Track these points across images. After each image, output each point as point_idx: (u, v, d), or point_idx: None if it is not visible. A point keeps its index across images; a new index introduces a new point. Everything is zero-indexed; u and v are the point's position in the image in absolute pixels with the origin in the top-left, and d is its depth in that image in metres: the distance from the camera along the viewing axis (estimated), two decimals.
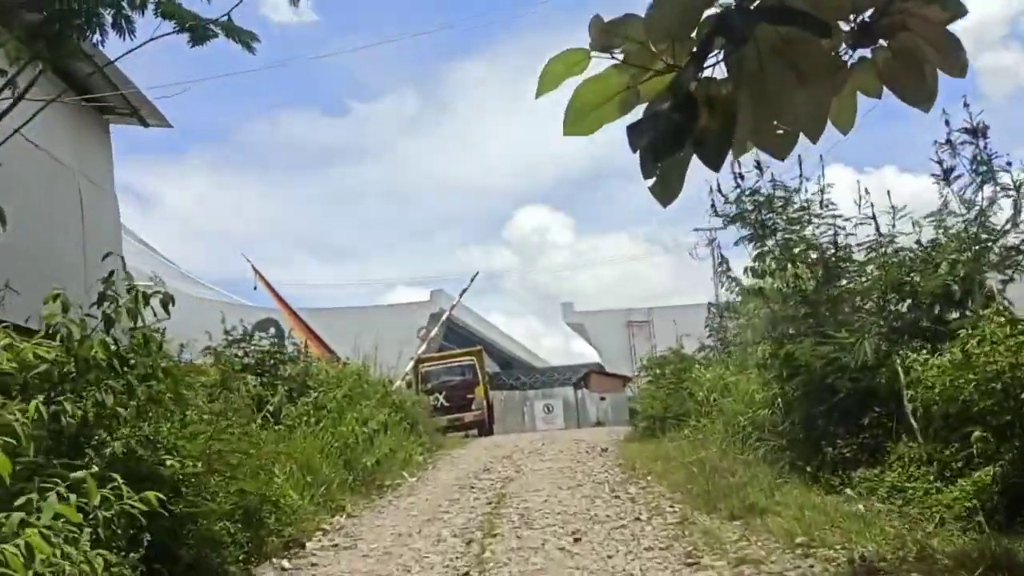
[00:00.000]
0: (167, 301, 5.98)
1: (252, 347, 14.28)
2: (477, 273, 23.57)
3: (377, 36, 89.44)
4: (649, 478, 10.99)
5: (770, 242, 10.48)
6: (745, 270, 12.30)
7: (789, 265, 10.37)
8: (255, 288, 23.84)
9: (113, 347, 5.49)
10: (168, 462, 5.59)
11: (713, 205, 11.00)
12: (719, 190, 10.86)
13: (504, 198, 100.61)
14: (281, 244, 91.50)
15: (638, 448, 14.98)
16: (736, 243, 11.04)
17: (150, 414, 5.71)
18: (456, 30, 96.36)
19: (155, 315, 6.07)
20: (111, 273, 5.94)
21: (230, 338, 14.31)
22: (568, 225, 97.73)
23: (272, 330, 35.30)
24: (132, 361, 5.57)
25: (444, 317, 22.90)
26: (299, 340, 22.86)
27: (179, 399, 6.13)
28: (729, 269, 14.50)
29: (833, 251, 9.91)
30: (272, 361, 14.25)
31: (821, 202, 9.93)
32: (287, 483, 8.28)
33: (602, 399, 36.14)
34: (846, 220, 9.77)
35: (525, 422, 34.77)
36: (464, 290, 23.10)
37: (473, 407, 24.51)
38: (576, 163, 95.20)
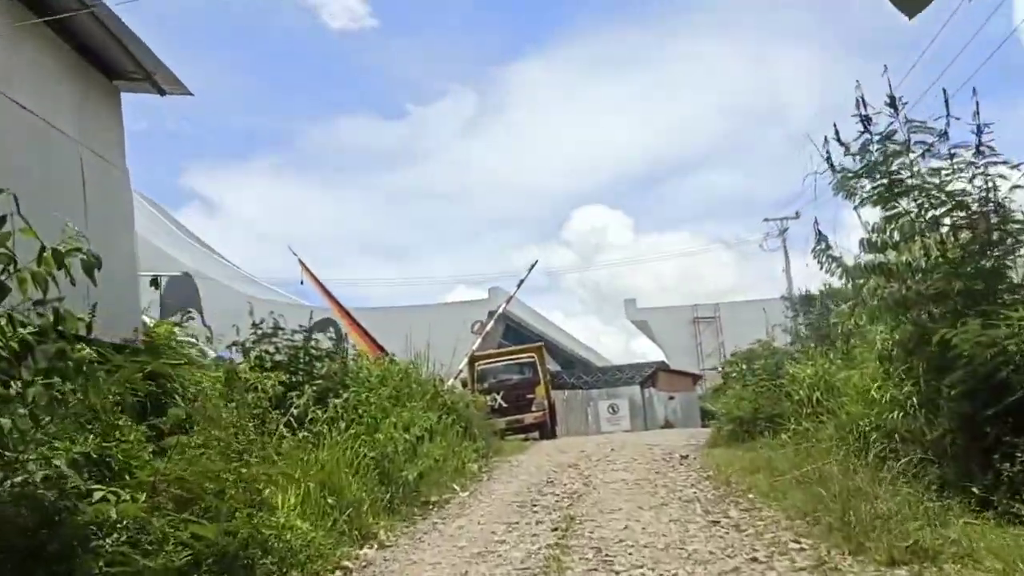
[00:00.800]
0: (91, 266, 4.22)
1: (284, 342, 12.65)
2: (536, 262, 21.65)
3: (435, 38, 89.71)
4: (752, 496, 8.90)
5: (904, 202, 8.30)
6: (861, 243, 10.13)
7: (927, 231, 8.21)
8: (301, 283, 22.39)
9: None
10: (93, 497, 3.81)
11: (829, 159, 8.85)
12: (837, 138, 8.71)
13: (562, 198, 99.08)
14: (341, 245, 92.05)
15: (725, 455, 12.87)
16: (859, 204, 8.85)
17: (53, 424, 3.95)
18: (512, 31, 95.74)
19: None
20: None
21: (259, 332, 12.73)
22: (626, 224, 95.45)
23: (331, 330, 34.09)
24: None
25: (501, 309, 20.91)
26: (352, 340, 21.32)
27: (125, 403, 4.35)
28: (828, 248, 12.28)
29: (994, 209, 7.69)
30: (307, 358, 12.60)
31: (978, 147, 7.69)
32: (298, 509, 6.49)
33: (670, 399, 33.87)
34: (1015, 167, 7.53)
35: (588, 423, 32.72)
36: (522, 280, 21.22)
37: (533, 408, 22.55)
38: (634, 161, 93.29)
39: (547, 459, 14.89)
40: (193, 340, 11.61)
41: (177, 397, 7.80)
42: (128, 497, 3.88)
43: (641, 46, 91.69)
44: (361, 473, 8.37)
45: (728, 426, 14.55)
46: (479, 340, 21.57)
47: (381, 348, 20.91)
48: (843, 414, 10.12)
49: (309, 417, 9.30)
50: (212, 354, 13.05)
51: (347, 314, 22.72)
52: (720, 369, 52.52)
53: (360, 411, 9.94)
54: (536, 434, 22.27)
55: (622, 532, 7.54)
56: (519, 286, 21.30)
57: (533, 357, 23.91)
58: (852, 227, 10.61)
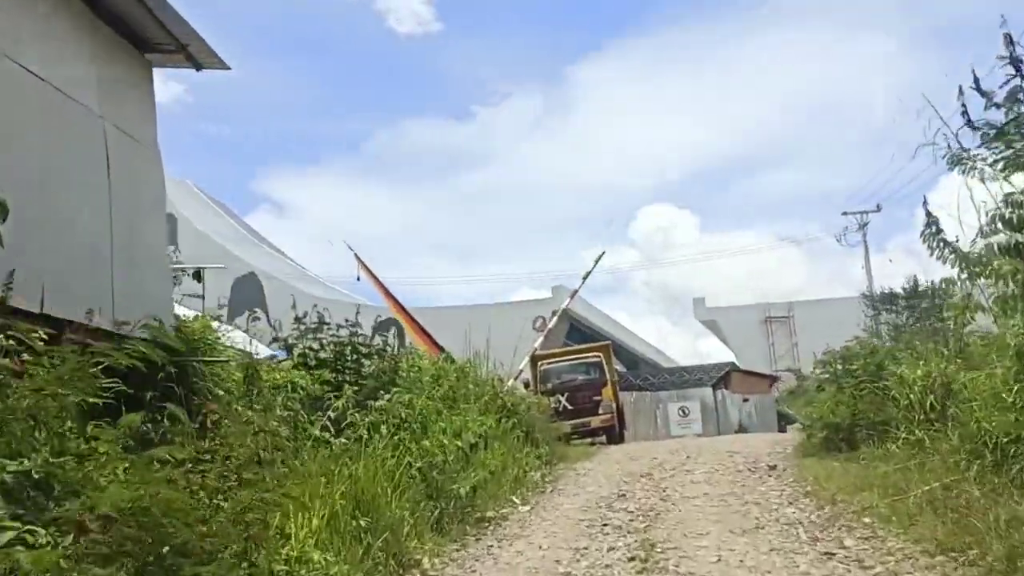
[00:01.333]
0: None
1: (329, 338, 11.60)
2: (603, 253, 20.28)
3: (500, 40, 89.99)
4: (868, 521, 7.41)
5: None
6: (992, 219, 8.54)
7: None
8: (358, 279, 21.48)
9: None
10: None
11: (965, 113, 7.33)
12: (977, 87, 7.19)
13: (628, 197, 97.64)
14: (409, 247, 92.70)
15: (821, 467, 11.32)
16: (1004, 169, 7.30)
17: None
18: (578, 30, 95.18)
19: None
20: None
21: (303, 327, 11.71)
22: (693, 223, 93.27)
23: (394, 330, 33.36)
24: None
25: (565, 304, 19.48)
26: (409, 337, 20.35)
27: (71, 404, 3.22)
28: (939, 231, 10.63)
29: None
30: (354, 355, 11.52)
31: None
32: (321, 535, 5.32)
33: (744, 401, 32.03)
34: None
35: (657, 427, 31.11)
36: (588, 273, 19.69)
37: (601, 410, 20.87)
38: (701, 159, 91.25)
39: (617, 467, 13.54)
40: (239, 338, 10.70)
41: (201, 397, 6.80)
42: (47, 539, 2.76)
43: (708, 42, 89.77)
44: (403, 487, 7.18)
45: (820, 433, 12.95)
46: (541, 338, 20.20)
47: (439, 347, 19.86)
48: (972, 422, 8.53)
49: (348, 421, 8.16)
50: (266, 352, 12.18)
51: (405, 312, 21.75)
52: (795, 371, 50.31)
53: (406, 414, 8.76)
54: (603, 438, 20.92)
55: (715, 566, 6.17)
56: (584, 280, 19.91)
57: (599, 356, 22.48)
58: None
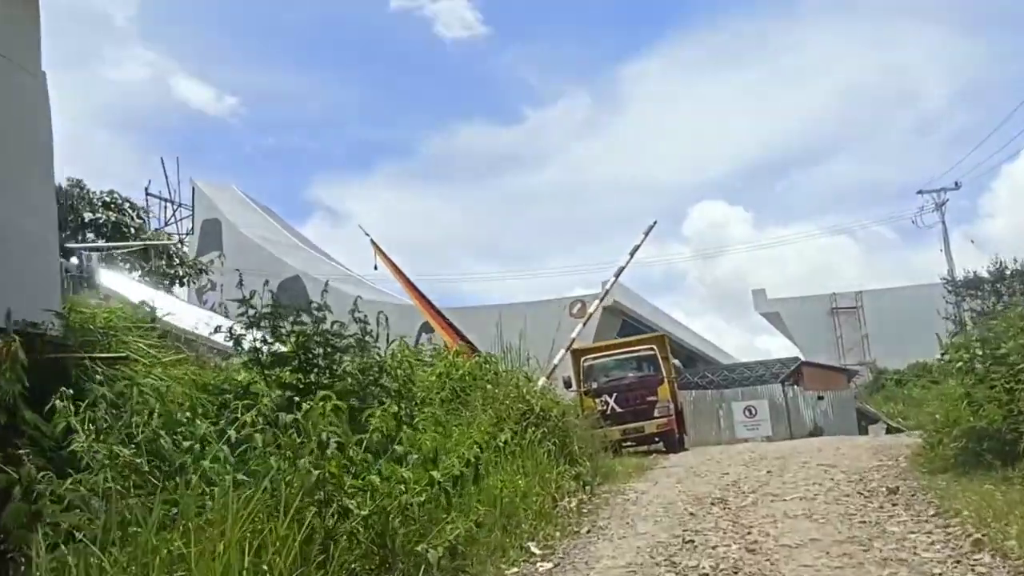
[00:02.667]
0: None
1: (292, 326, 8.66)
2: (655, 223, 16.88)
3: (548, 42, 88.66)
4: None
5: None
6: None
7: None
8: (375, 268, 18.63)
9: None
10: None
11: None
12: None
13: (680, 194, 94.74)
14: (461, 250, 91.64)
15: (966, 490, 8.02)
16: None
17: None
18: (626, 29, 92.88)
19: None
20: None
21: (256, 314, 8.79)
22: (746, 219, 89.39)
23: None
24: None
25: (611, 282, 16.08)
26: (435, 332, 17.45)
27: None
28: None
29: None
30: (328, 349, 8.57)
31: None
32: None
33: (819, 399, 28.31)
34: None
35: (721, 429, 27.62)
36: (637, 247, 16.33)
37: (656, 413, 17.38)
38: (753, 154, 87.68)
39: (678, 489, 10.33)
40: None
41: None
42: None
43: (757, 36, 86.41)
44: (317, 555, 4.18)
45: (955, 442, 9.55)
46: (580, 326, 16.78)
47: (470, 344, 16.90)
48: None
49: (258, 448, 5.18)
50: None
51: (428, 304, 18.85)
52: (869, 364, 46.02)
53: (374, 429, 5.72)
54: (661, 445, 17.65)
55: None
56: (633, 254, 16.43)
57: (653, 349, 18.76)
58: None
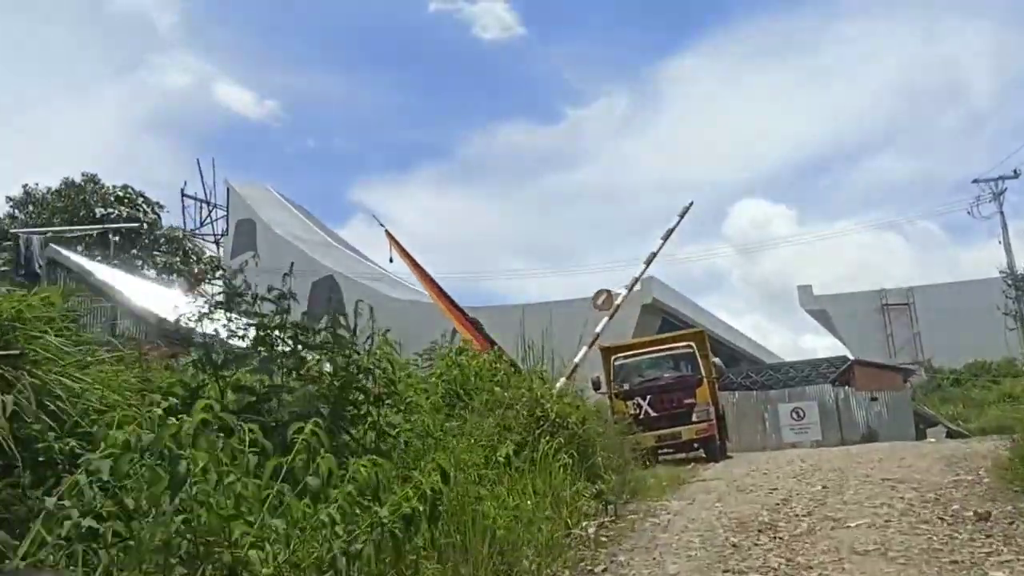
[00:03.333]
0: None
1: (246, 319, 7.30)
2: (691, 204, 15.04)
3: (586, 41, 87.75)
4: None
5: None
6: None
7: None
8: (391, 260, 17.26)
9: None
10: None
11: None
12: None
13: (721, 192, 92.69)
14: (501, 249, 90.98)
15: None
16: None
17: None
18: (665, 26, 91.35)
19: None
20: None
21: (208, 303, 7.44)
22: (789, 216, 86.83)
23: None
24: None
25: (642, 271, 14.40)
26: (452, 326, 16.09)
27: None
28: None
29: None
30: (294, 346, 7.21)
31: None
32: None
33: (872, 400, 26.32)
34: None
35: (766, 433, 25.80)
36: (671, 230, 14.48)
37: (695, 417, 15.68)
38: (796, 150, 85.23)
39: (718, 509, 8.76)
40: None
41: None
42: None
43: (800, 30, 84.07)
44: None
45: None
46: (606, 320, 15.10)
47: (491, 340, 15.49)
48: None
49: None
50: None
51: (446, 298, 17.45)
52: (923, 363, 43.52)
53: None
54: (700, 452, 16.04)
55: None
56: (667, 238, 14.59)
57: (691, 347, 16.94)
58: None
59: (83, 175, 25.07)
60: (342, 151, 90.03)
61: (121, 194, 24.04)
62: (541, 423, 8.75)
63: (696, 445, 15.88)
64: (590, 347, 13.16)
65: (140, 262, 23.54)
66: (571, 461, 8.58)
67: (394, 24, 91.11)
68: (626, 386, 16.36)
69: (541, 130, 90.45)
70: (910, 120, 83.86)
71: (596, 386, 15.44)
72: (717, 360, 17.46)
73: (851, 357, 43.57)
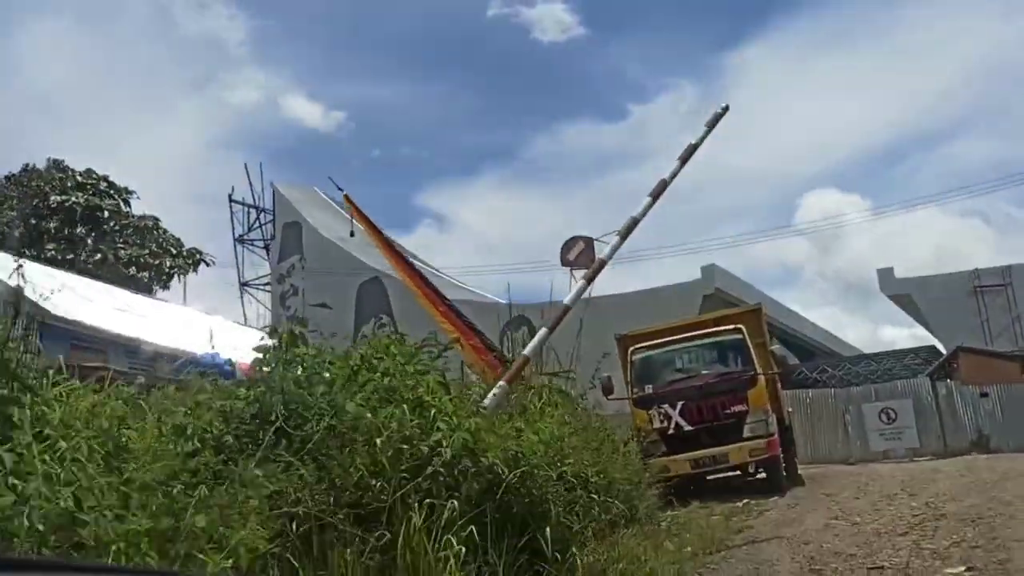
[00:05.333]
0: None
1: None
2: (726, 107, 10.29)
3: (649, 36, 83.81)
4: None
5: None
6: None
7: None
8: (351, 235, 13.03)
9: None
10: None
11: None
12: None
13: (793, 184, 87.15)
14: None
15: None
16: None
17: None
18: (729, 16, 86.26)
19: None
20: None
21: None
22: (865, 206, 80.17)
23: (524, 329, 24.86)
24: None
25: (648, 204, 9.76)
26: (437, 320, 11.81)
27: None
28: None
29: None
30: None
31: None
32: None
33: (983, 396, 20.97)
34: None
35: (849, 440, 20.70)
36: (695, 145, 10.06)
37: (747, 432, 10.65)
38: (870, 138, 78.61)
39: None
40: None
41: None
42: None
43: (871, 13, 77.39)
44: None
45: None
46: (583, 283, 9.88)
47: (480, 336, 11.16)
48: None
49: None
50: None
51: (417, 275, 13.19)
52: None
53: None
54: (760, 476, 11.25)
55: None
56: (686, 159, 10.03)
57: (740, 332, 11.53)
58: None
59: (47, 160, 21.68)
60: (407, 158, 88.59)
61: (82, 179, 20.57)
62: (423, 470, 4.44)
63: (752, 470, 11.11)
64: (553, 329, 8.57)
65: (99, 255, 20.01)
66: (473, 546, 4.26)
67: (453, 31, 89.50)
68: (649, 389, 11.11)
69: (605, 128, 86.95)
70: (993, 101, 76.38)
71: (607, 390, 10.92)
72: (777, 348, 12.43)
73: (940, 347, 37.76)
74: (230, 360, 10.25)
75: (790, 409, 13.31)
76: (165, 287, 22.19)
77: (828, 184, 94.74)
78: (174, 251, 22.82)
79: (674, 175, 10.10)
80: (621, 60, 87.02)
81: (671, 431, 10.68)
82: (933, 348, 38.67)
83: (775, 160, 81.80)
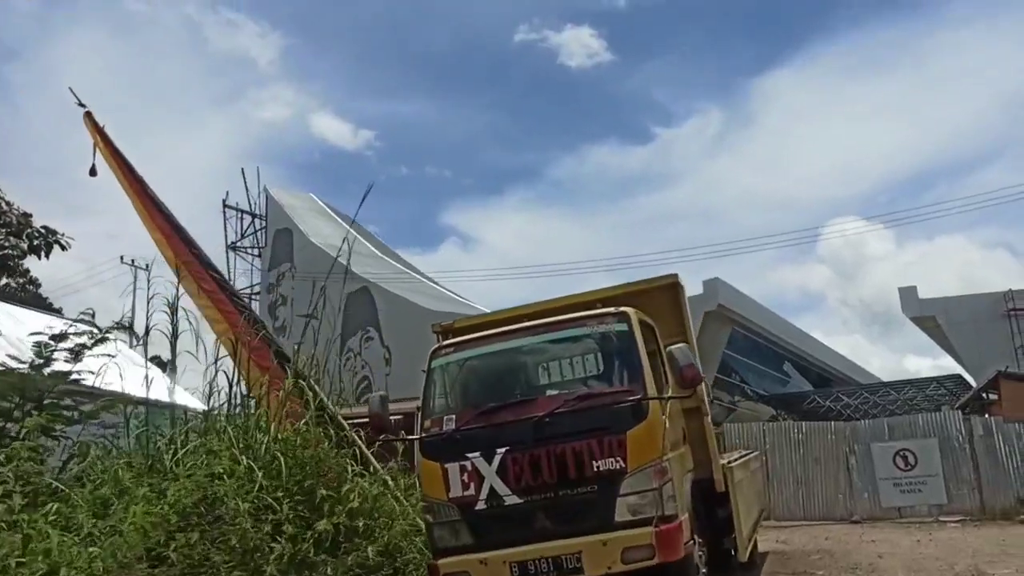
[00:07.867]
0: None
1: None
2: None
3: (676, 60, 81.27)
4: None
5: None
6: None
7: None
8: (92, 172, 8.47)
9: None
10: None
11: None
12: None
13: (818, 211, 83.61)
14: (590, 271, 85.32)
15: None
16: None
17: None
18: (758, 41, 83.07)
19: None
20: None
21: None
22: (889, 235, 76.09)
23: None
24: None
25: None
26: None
27: None
28: None
29: None
30: None
31: None
32: None
33: None
34: None
35: (853, 490, 15.41)
36: None
37: (621, 509, 5.14)
38: (898, 166, 74.53)
39: None
40: None
41: None
42: None
43: (900, 42, 74.03)
44: None
45: None
46: None
47: (255, 324, 6.22)
48: None
49: None
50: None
51: (157, 210, 8.32)
52: None
53: None
54: None
55: None
56: None
57: (624, 323, 5.87)
58: None
59: None
60: (433, 177, 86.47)
61: None
62: None
63: None
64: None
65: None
66: None
67: (481, 54, 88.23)
68: (451, 423, 5.82)
69: (631, 151, 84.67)
70: (1019, 131, 71.90)
71: (376, 423, 5.60)
72: (678, 349, 5.89)
73: (968, 377, 32.70)
74: None
75: (736, 460, 7.84)
76: None
77: (854, 211, 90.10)
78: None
79: None
80: (647, 84, 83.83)
81: (481, 504, 5.50)
82: (959, 378, 34.03)
83: (802, 186, 77.36)
